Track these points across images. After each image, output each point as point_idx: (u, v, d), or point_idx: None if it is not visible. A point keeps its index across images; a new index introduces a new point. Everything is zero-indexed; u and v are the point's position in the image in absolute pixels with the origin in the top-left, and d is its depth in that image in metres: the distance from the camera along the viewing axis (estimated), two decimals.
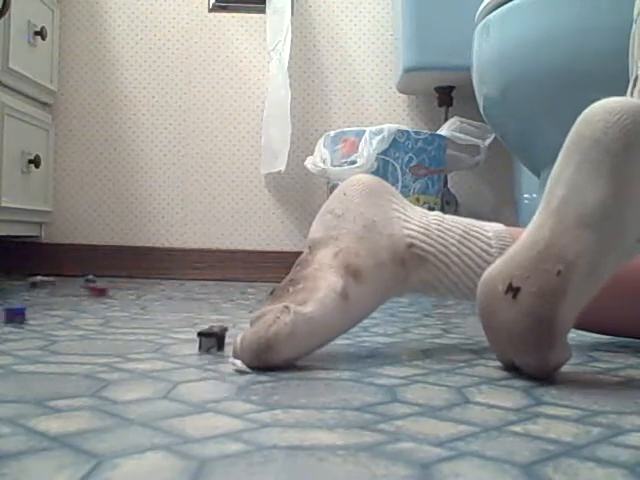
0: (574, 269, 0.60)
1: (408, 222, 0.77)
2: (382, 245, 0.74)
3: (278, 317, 0.65)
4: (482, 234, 0.77)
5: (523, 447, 0.43)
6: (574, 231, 0.60)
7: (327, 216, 0.78)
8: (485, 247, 0.76)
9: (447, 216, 0.80)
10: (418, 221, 0.77)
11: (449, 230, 0.77)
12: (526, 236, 0.64)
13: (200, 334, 0.76)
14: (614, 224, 0.60)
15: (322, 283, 0.69)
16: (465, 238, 0.76)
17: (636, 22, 0.80)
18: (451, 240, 0.76)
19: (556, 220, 0.62)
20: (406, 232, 0.76)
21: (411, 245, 0.75)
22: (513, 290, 0.62)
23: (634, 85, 0.76)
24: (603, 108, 0.61)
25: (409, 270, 0.75)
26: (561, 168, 0.63)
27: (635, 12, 0.81)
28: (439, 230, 0.76)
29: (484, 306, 0.67)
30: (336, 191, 0.80)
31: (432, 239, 0.76)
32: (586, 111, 0.62)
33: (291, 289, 0.70)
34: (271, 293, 0.71)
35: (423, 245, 0.75)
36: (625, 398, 0.58)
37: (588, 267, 0.60)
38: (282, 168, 1.90)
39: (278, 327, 0.64)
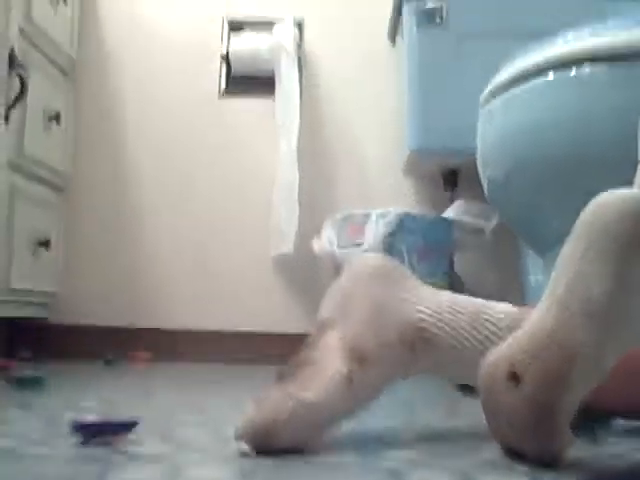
0: (578, 358, 0.59)
1: (419, 304, 0.76)
2: (390, 327, 0.73)
3: (278, 403, 0.64)
4: (493, 316, 0.75)
5: None
6: (578, 320, 0.60)
7: (337, 296, 0.77)
8: (496, 330, 0.74)
9: (459, 296, 0.78)
10: (429, 302, 0.76)
11: (460, 312, 0.75)
12: (530, 322, 0.64)
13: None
14: (619, 315, 0.60)
15: (327, 368, 0.69)
16: (477, 321, 0.75)
17: None
18: (462, 324, 0.74)
19: (561, 308, 0.61)
20: (417, 316, 0.74)
21: (422, 329, 0.74)
22: (516, 378, 0.62)
23: None
24: (616, 198, 0.61)
25: (418, 354, 0.74)
26: (568, 255, 0.63)
27: None
28: (450, 312, 0.75)
29: (485, 390, 0.66)
30: (347, 269, 0.80)
31: (444, 323, 0.74)
32: (598, 200, 0.62)
33: (297, 373, 0.69)
34: (278, 376, 0.71)
35: (434, 330, 0.74)
36: None
37: (592, 356, 0.59)
38: (290, 250, 1.91)
39: (276, 413, 0.64)
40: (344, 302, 0.76)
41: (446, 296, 0.78)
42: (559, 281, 0.63)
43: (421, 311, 0.75)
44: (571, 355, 0.59)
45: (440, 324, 0.74)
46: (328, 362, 0.69)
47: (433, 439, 0.76)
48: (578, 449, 0.71)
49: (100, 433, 0.67)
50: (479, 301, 0.78)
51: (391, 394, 1.19)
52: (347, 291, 0.77)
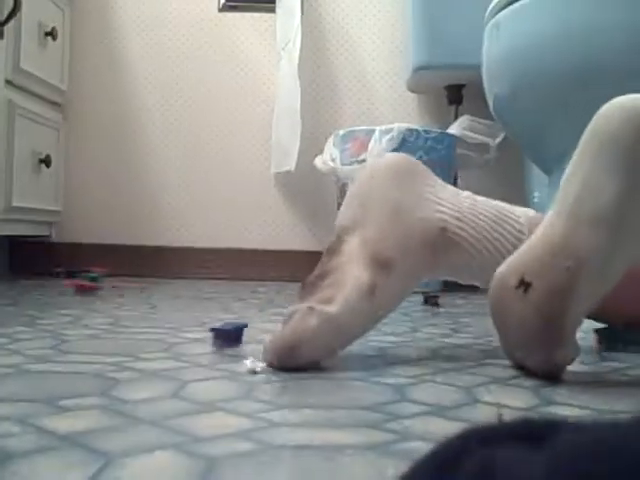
0: (584, 266, 0.59)
1: (440, 204, 0.74)
2: (412, 230, 0.72)
3: (304, 319, 0.65)
4: (514, 219, 0.75)
5: None
6: (587, 228, 0.60)
7: (354, 201, 0.75)
8: (516, 233, 0.73)
9: (479, 197, 0.77)
10: (451, 203, 0.75)
11: (481, 214, 0.74)
12: (540, 232, 0.64)
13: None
14: (628, 221, 0.60)
15: (349, 278, 0.68)
16: (497, 223, 0.74)
17: None
18: (483, 224, 0.73)
19: (570, 217, 0.61)
20: (438, 215, 0.73)
21: (444, 229, 0.73)
22: (524, 285, 0.62)
23: None
24: (620, 105, 0.61)
25: (439, 255, 0.73)
26: (576, 165, 0.63)
27: None
28: (472, 214, 0.74)
29: (495, 300, 0.66)
30: (363, 172, 0.78)
31: (465, 223, 0.73)
32: (602, 109, 0.62)
33: (320, 284, 0.69)
34: (303, 287, 0.70)
35: (456, 230, 0.73)
36: (635, 397, 0.58)
37: (599, 264, 0.60)
38: (292, 167, 1.90)
39: (303, 329, 0.64)
40: (362, 207, 0.74)
41: (466, 197, 0.77)
42: (567, 191, 0.63)
43: (442, 212, 0.74)
44: (579, 262, 0.59)
45: (461, 224, 0.73)
46: (350, 272, 0.69)
47: (437, 355, 0.77)
48: (582, 364, 0.72)
49: (229, 337, 0.79)
50: (498, 203, 0.77)
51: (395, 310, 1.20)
52: (365, 195, 0.75)
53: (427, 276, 0.76)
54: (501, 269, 0.66)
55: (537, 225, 0.74)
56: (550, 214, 0.64)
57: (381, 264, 0.70)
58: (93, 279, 1.55)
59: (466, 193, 0.78)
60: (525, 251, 0.64)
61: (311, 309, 0.65)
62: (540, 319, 0.61)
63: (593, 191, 0.60)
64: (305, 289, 0.70)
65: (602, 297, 0.63)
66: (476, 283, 0.77)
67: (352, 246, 0.71)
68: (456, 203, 0.75)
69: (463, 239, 0.73)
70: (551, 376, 0.63)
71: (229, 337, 0.79)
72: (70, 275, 1.68)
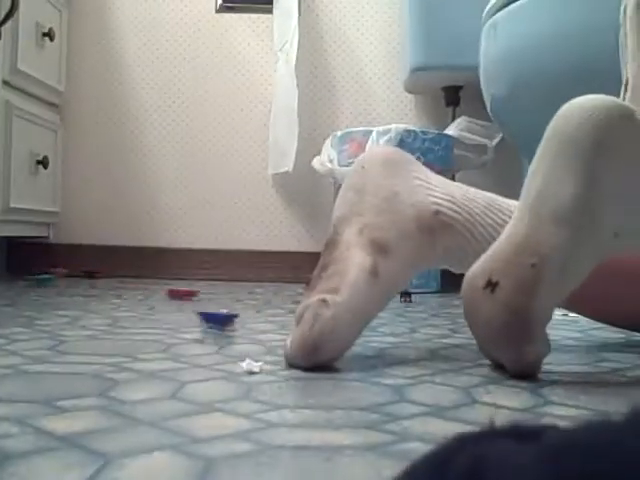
0: (548, 262, 0.60)
1: (432, 190, 0.76)
2: (407, 215, 0.73)
3: (318, 314, 0.65)
4: (506, 207, 0.76)
5: None
6: (549, 226, 0.61)
7: (348, 193, 0.76)
8: (508, 219, 0.74)
9: (469, 187, 0.79)
10: (442, 188, 0.76)
11: (474, 200, 0.75)
12: (505, 232, 0.64)
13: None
14: (587, 219, 0.61)
15: (351, 264, 0.69)
16: (489, 209, 0.75)
17: (622, 26, 0.79)
18: (475, 209, 0.74)
19: (532, 215, 0.62)
20: (431, 199, 0.74)
21: (437, 212, 0.74)
22: (492, 285, 0.63)
23: (625, 90, 0.76)
24: (578, 105, 0.62)
25: (436, 238, 0.74)
26: (538, 163, 0.64)
27: (620, 15, 0.80)
28: (464, 198, 0.75)
29: (467, 302, 0.67)
30: (354, 165, 0.79)
31: (458, 206, 0.74)
32: (563, 108, 0.63)
33: (323, 275, 0.69)
34: (307, 283, 0.71)
35: (449, 212, 0.74)
36: (633, 398, 0.58)
37: (563, 261, 0.61)
38: (289, 168, 1.90)
39: (321, 326, 0.64)
40: (357, 197, 0.75)
41: (457, 185, 0.78)
42: (530, 190, 0.64)
43: (435, 196, 0.75)
44: (542, 259, 0.60)
45: (455, 207, 0.74)
46: (350, 258, 0.69)
47: (435, 356, 0.77)
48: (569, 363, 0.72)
49: (216, 321, 0.91)
50: (488, 194, 0.78)
51: (393, 310, 1.20)
52: (359, 186, 0.76)
53: (425, 262, 0.76)
54: (471, 270, 0.67)
55: None
56: (515, 213, 0.65)
57: (380, 248, 0.71)
58: (45, 281, 1.55)
59: (456, 183, 0.79)
60: (492, 251, 0.65)
61: (323, 301, 0.65)
62: (507, 315, 0.61)
63: (553, 189, 0.62)
64: (311, 284, 0.70)
65: (569, 293, 0.63)
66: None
67: (350, 235, 0.72)
68: (447, 189, 0.76)
69: (457, 221, 0.74)
70: (525, 375, 0.63)
71: (217, 320, 0.90)
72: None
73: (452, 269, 0.79)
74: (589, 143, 0.61)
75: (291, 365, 0.66)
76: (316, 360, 0.65)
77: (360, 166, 0.78)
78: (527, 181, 0.65)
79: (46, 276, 1.57)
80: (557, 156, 0.62)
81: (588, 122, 0.61)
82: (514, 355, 0.63)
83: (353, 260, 0.69)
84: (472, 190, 0.78)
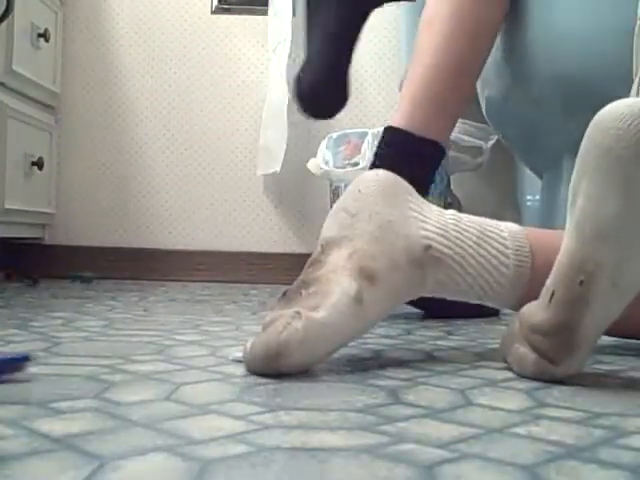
0: (595, 280, 0.59)
1: (425, 222, 0.74)
2: (398, 247, 0.72)
3: (289, 323, 0.63)
4: (498, 234, 0.75)
5: (525, 449, 0.43)
6: (593, 243, 0.60)
7: (341, 214, 0.75)
8: (501, 248, 0.74)
9: (463, 215, 0.78)
10: (435, 221, 0.75)
11: (466, 231, 0.74)
12: (562, 243, 0.64)
13: None
14: (630, 234, 0.59)
15: (335, 287, 0.67)
16: (482, 239, 0.74)
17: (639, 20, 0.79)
18: (468, 242, 0.74)
19: (577, 231, 0.61)
20: (423, 233, 0.73)
21: (428, 247, 0.73)
22: (550, 294, 0.62)
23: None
24: (614, 114, 0.59)
25: (427, 271, 0.73)
26: (578, 178, 0.62)
27: (639, 11, 0.80)
28: (456, 231, 0.74)
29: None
30: (350, 187, 0.78)
31: (450, 241, 0.73)
32: (597, 117, 0.61)
33: (304, 292, 0.68)
34: (283, 295, 0.69)
35: (441, 247, 0.73)
36: (628, 400, 0.58)
37: (610, 278, 0.59)
38: (277, 169, 1.90)
39: (289, 333, 0.62)
40: (350, 220, 0.74)
41: (451, 215, 0.77)
42: (574, 205, 0.62)
43: (427, 229, 0.74)
44: (589, 277, 0.59)
45: (447, 242, 0.73)
46: (336, 281, 0.68)
47: (430, 358, 0.77)
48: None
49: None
50: (482, 219, 0.77)
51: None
52: (352, 210, 0.74)
53: (415, 292, 0.75)
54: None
55: (522, 240, 0.75)
56: (566, 225, 0.64)
57: (368, 276, 0.69)
58: (87, 279, 1.54)
59: (450, 211, 0.78)
60: (555, 262, 0.65)
61: (298, 314, 0.64)
62: (556, 327, 0.61)
63: (594, 206, 0.60)
64: (287, 297, 0.69)
65: (621, 311, 0.62)
66: (464, 299, 0.76)
67: (338, 258, 0.71)
68: (441, 221, 0.75)
69: (448, 257, 0.73)
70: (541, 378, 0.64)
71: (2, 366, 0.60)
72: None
73: (444, 297, 0.78)
74: (630, 154, 0.58)
75: (249, 370, 0.65)
76: (277, 367, 0.63)
77: (357, 189, 0.76)
78: (570, 196, 0.63)
79: (89, 274, 1.56)
80: (595, 171, 0.60)
81: (627, 132, 0.58)
82: (548, 365, 0.63)
83: (338, 283, 0.67)
84: (465, 219, 0.77)
